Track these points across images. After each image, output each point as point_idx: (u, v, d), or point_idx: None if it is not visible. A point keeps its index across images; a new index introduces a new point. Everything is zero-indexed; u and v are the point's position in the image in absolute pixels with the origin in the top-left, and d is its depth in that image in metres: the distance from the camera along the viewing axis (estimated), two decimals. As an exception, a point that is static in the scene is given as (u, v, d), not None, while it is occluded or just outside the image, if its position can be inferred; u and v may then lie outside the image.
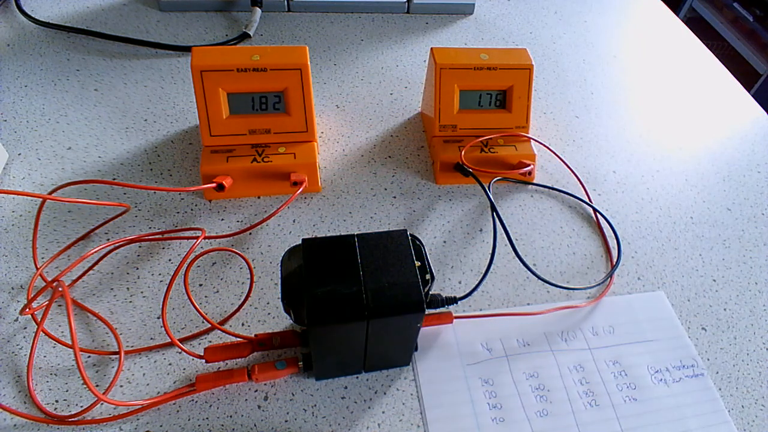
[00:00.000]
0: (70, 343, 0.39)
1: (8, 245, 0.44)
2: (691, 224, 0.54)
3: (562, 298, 0.46)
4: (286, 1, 0.73)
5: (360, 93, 0.63)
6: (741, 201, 0.57)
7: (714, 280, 0.50)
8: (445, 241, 0.49)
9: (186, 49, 0.65)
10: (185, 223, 0.48)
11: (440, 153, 0.53)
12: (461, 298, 0.42)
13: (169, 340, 0.40)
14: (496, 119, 0.55)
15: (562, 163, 0.58)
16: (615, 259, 0.50)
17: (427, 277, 0.35)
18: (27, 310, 0.38)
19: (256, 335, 0.39)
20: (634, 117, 0.66)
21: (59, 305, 0.41)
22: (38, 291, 0.37)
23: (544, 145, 0.59)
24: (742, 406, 0.42)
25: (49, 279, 0.39)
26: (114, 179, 0.50)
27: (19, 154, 0.51)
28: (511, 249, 0.46)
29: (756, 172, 0.61)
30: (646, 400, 0.41)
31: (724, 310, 0.48)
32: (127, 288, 0.43)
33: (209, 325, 0.41)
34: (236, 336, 0.38)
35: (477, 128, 0.55)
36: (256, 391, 0.38)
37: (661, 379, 0.42)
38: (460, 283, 0.47)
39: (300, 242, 0.35)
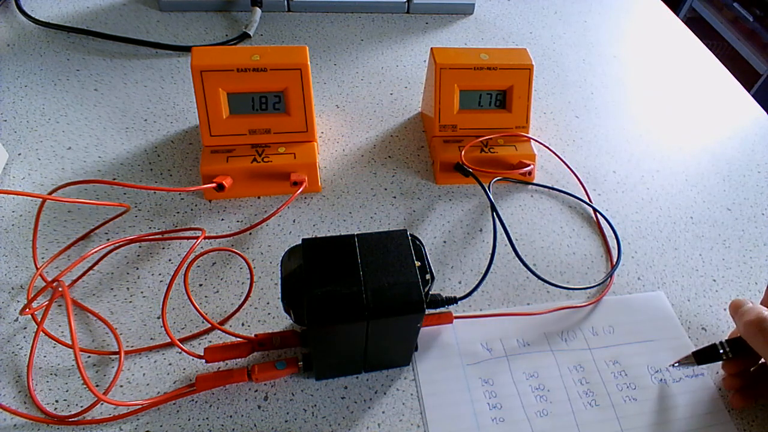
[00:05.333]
0: (70, 343, 0.39)
1: (8, 245, 0.44)
2: (691, 224, 0.54)
3: (562, 298, 0.46)
4: (286, 1, 0.73)
5: (360, 93, 0.63)
6: (741, 201, 0.57)
7: (714, 280, 0.50)
8: (445, 241, 0.49)
9: (186, 49, 0.65)
10: (185, 223, 0.48)
11: (440, 153, 0.53)
12: (461, 298, 0.42)
13: (169, 340, 0.40)
14: (496, 119, 0.55)
15: (562, 163, 0.58)
16: (615, 259, 0.50)
17: (427, 277, 0.35)
18: (27, 310, 0.38)
19: (256, 335, 0.39)
20: (634, 117, 0.66)
21: (59, 305, 0.41)
22: (38, 291, 0.37)
23: (544, 145, 0.59)
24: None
25: (49, 279, 0.39)
26: (114, 179, 0.50)
27: (19, 154, 0.51)
28: (511, 249, 0.46)
29: (756, 172, 0.61)
30: (646, 400, 0.41)
31: (724, 310, 0.48)
32: (127, 288, 0.43)
33: (209, 325, 0.41)
34: (236, 336, 0.38)
35: (477, 128, 0.55)
36: (256, 391, 0.38)
37: (661, 379, 0.42)
38: (460, 283, 0.47)
39: (300, 242, 0.35)
